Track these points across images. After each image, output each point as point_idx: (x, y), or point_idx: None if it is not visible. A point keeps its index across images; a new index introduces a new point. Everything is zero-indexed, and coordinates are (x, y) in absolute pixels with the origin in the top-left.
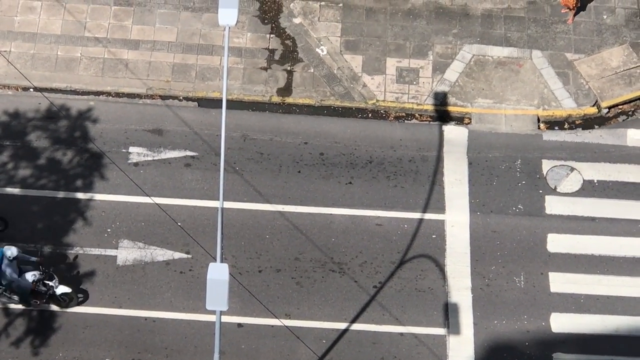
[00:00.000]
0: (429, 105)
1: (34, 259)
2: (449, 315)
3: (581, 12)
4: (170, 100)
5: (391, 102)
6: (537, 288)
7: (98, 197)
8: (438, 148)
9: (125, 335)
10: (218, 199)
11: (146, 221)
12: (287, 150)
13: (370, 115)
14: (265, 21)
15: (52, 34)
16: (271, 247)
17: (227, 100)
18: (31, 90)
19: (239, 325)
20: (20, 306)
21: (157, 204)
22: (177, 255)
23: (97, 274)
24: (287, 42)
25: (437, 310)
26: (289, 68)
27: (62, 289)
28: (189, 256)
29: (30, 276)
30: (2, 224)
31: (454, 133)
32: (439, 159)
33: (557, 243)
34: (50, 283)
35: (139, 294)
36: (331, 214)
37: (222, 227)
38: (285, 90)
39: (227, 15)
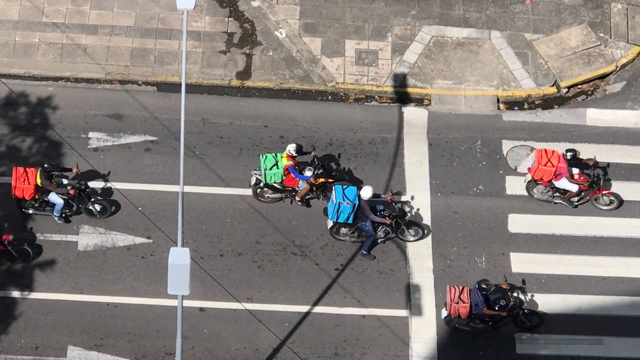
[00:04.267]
0: (388, 87)
1: None
2: (411, 296)
3: None
4: (129, 85)
5: (351, 84)
6: (499, 268)
7: None
8: (398, 130)
9: (87, 321)
10: (178, 184)
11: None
12: (247, 133)
13: (329, 97)
14: (224, 4)
15: (10, 20)
16: (232, 231)
17: (187, 84)
18: None
19: (201, 309)
20: None
21: (117, 189)
22: (138, 240)
23: (58, 260)
24: (246, 25)
25: (399, 292)
26: (248, 51)
27: None
28: (150, 241)
29: None
30: None
31: (413, 114)
32: (399, 141)
33: (518, 223)
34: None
35: (101, 280)
36: None
37: (183, 211)
38: (245, 74)
39: None
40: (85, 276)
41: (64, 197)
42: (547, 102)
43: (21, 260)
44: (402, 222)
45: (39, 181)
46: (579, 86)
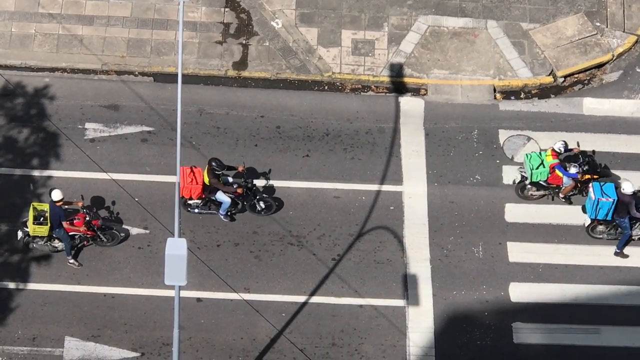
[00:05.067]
0: (385, 77)
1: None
2: (408, 286)
3: None
4: (126, 75)
5: (347, 74)
6: (496, 258)
7: (55, 174)
8: (395, 120)
9: (85, 312)
10: (175, 174)
11: (103, 197)
12: (244, 124)
13: (326, 87)
14: None
15: (6, 11)
16: (229, 221)
17: (183, 75)
18: None
19: (198, 300)
20: None
21: (114, 179)
22: (135, 230)
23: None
24: (242, 15)
25: (396, 282)
26: (244, 42)
27: None
28: (147, 231)
29: None
30: None
31: (410, 104)
32: (395, 131)
33: (515, 213)
34: None
35: (98, 270)
36: (289, 187)
37: (180, 201)
38: (241, 64)
39: None
40: (82, 267)
41: (231, 195)
42: (544, 92)
43: (110, 244)
44: None
45: (206, 180)
46: (576, 75)
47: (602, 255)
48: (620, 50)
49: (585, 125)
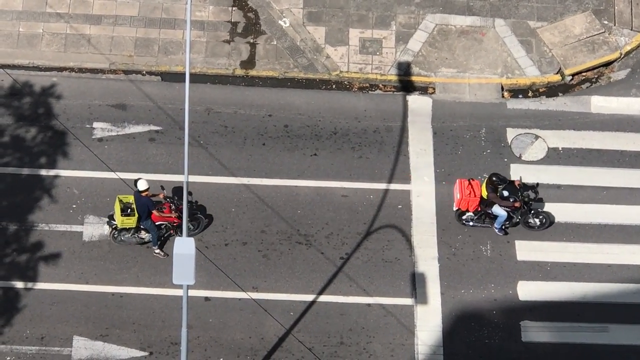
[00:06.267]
0: (392, 76)
1: None
2: (416, 285)
3: None
4: (134, 74)
5: (355, 73)
6: (504, 256)
7: (63, 173)
8: (402, 118)
9: (93, 311)
10: (183, 173)
11: (111, 196)
12: (252, 123)
13: (334, 86)
14: None
15: (14, 10)
16: (237, 220)
17: (191, 74)
18: None
19: (206, 299)
20: None
21: (121, 179)
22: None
23: (63, 250)
24: (250, 14)
25: (404, 281)
26: (252, 41)
27: None
28: None
29: None
30: None
31: (418, 103)
32: (403, 129)
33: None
34: None
35: (106, 270)
36: (296, 186)
37: (188, 201)
38: (249, 63)
39: None
40: (90, 266)
41: (507, 209)
42: (552, 90)
43: (197, 231)
44: None
45: (484, 193)
46: (583, 74)
47: (611, 253)
48: (628, 48)
49: (593, 123)
